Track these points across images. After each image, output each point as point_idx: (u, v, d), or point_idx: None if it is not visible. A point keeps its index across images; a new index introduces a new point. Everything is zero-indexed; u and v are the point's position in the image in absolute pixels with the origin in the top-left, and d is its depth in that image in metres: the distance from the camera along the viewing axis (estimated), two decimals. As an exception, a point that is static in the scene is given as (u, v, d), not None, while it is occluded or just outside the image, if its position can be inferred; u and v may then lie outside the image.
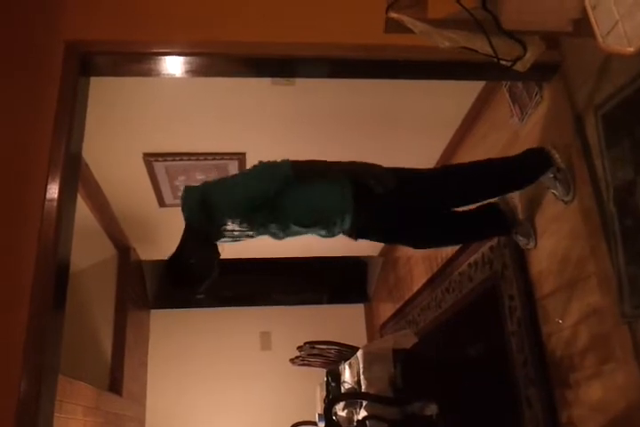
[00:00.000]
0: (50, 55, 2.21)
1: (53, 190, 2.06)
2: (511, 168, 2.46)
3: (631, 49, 1.12)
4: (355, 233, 2.35)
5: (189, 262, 2.12)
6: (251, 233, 2.23)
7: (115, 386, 4.70)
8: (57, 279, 2.00)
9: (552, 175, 2.42)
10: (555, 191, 2.47)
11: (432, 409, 3.29)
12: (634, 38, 1.09)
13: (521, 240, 2.76)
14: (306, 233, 2.28)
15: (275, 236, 2.27)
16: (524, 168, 2.47)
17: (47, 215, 2.02)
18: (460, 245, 3.56)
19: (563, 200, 2.44)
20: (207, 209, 2.06)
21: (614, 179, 2.11)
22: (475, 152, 3.49)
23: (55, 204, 2.04)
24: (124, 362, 4.87)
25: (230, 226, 2.18)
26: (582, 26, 1.35)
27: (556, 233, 2.53)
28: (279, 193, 2.08)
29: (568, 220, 2.45)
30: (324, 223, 2.22)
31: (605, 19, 1.15)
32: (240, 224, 2.18)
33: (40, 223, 2.00)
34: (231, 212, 2.10)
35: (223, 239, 2.20)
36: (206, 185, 2.16)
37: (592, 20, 1.18)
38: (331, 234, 2.29)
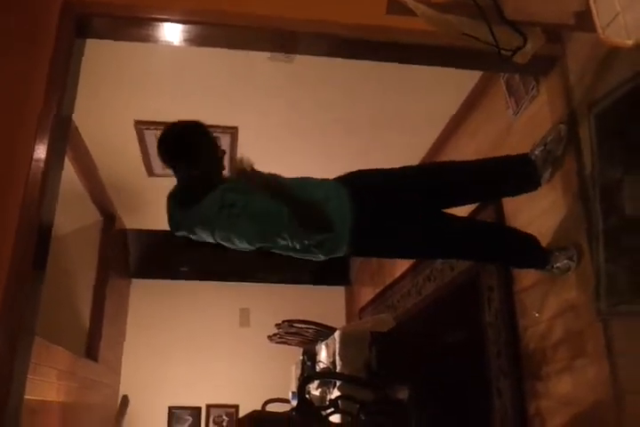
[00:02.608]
0: (46, 14, 2.17)
1: (41, 151, 2.03)
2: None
3: (630, 42, 1.11)
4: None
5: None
6: None
7: (91, 352, 4.70)
8: (39, 240, 1.99)
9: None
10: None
11: (404, 393, 3.34)
12: (633, 31, 1.08)
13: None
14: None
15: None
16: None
17: (33, 175, 2.00)
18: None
19: None
20: None
21: (602, 177, 2.11)
22: (468, 142, 3.49)
23: (42, 164, 2.02)
24: (102, 329, 4.88)
25: None
26: (584, 18, 1.34)
27: (540, 227, 2.54)
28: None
29: (553, 214, 2.46)
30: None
31: (606, 10, 1.14)
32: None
33: (25, 183, 1.98)
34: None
35: None
36: None
37: (593, 10, 1.17)
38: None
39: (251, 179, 1.98)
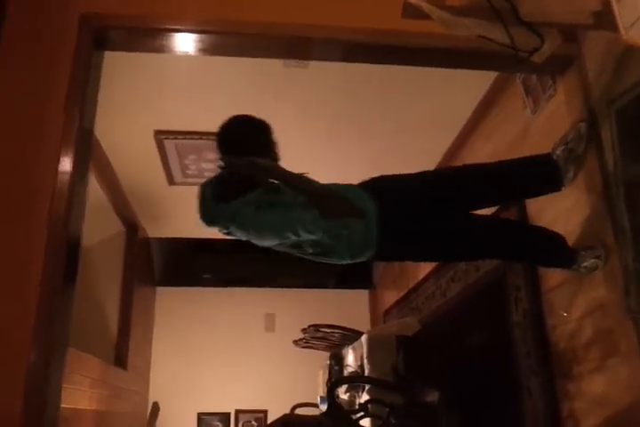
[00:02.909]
0: (65, 28, 2.20)
1: (66, 164, 2.06)
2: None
3: (654, 43, 1.10)
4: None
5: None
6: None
7: (120, 360, 4.76)
8: (68, 253, 2.02)
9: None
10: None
11: (434, 396, 3.32)
12: (656, 33, 1.07)
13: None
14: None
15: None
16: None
17: (59, 189, 2.03)
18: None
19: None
20: None
21: (625, 174, 2.09)
22: (485, 143, 3.47)
23: (68, 177, 2.05)
24: (130, 337, 4.92)
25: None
26: (602, 18, 1.33)
27: (565, 226, 2.51)
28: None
29: (577, 213, 2.44)
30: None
31: (629, 12, 1.13)
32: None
33: (52, 197, 2.01)
34: None
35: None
36: None
37: (616, 12, 1.16)
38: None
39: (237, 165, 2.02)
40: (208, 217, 2.14)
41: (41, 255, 1.94)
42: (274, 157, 2.16)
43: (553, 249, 2.35)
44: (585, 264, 2.28)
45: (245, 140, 2.11)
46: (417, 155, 3.85)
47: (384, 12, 2.11)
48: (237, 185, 2.10)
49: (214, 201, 2.12)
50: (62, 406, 2.22)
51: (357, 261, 2.19)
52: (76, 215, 2.10)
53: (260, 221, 2.06)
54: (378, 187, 2.19)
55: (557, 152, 2.34)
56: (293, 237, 2.06)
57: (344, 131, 3.77)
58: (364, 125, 3.70)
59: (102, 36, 2.28)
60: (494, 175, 2.31)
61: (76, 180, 2.09)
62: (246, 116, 2.15)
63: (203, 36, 2.33)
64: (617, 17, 1.16)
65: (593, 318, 2.34)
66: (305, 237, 2.05)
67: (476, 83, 3.23)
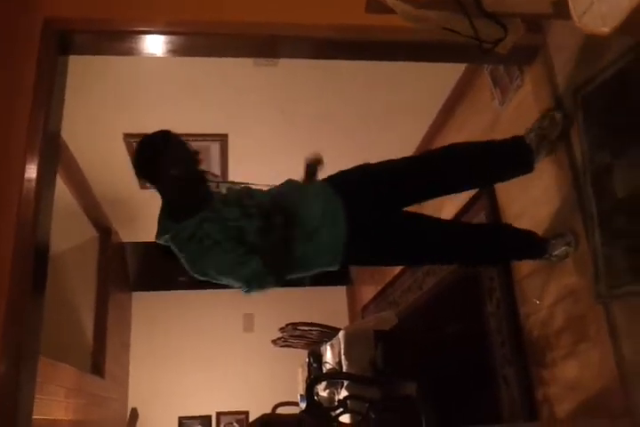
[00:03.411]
0: (28, 32, 2.17)
1: (32, 170, 2.03)
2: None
3: (606, 29, 1.13)
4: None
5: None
6: None
7: (97, 368, 4.70)
8: (36, 261, 1.99)
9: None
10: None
11: (412, 388, 3.34)
12: (609, 19, 1.10)
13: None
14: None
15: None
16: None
17: (26, 196, 2.00)
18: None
19: None
20: None
21: (592, 162, 2.13)
22: (456, 135, 3.51)
23: (34, 184, 2.02)
24: (106, 344, 4.87)
25: None
26: (561, 8, 1.36)
27: (534, 216, 2.56)
28: None
29: (546, 202, 2.48)
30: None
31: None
32: None
33: (18, 204, 1.98)
34: None
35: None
36: None
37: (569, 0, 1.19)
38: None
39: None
40: (160, 230, 2.04)
41: (8, 262, 1.91)
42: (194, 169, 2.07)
43: (524, 247, 2.37)
44: (556, 253, 2.31)
45: (155, 161, 1.99)
46: (391, 147, 3.85)
47: (350, 7, 2.12)
48: (180, 210, 2.02)
49: (166, 216, 2.04)
50: (37, 417, 2.18)
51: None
52: (43, 221, 2.07)
53: (193, 259, 1.99)
54: (347, 182, 2.16)
55: (531, 135, 2.36)
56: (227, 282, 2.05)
57: (317, 126, 3.78)
58: (336, 120, 3.71)
59: (68, 40, 2.25)
60: (470, 156, 2.29)
61: (42, 184, 2.06)
62: (149, 137, 2.07)
63: (171, 37, 2.32)
64: (570, 5, 1.19)
65: (564, 304, 2.38)
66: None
67: (447, 75, 3.26)
